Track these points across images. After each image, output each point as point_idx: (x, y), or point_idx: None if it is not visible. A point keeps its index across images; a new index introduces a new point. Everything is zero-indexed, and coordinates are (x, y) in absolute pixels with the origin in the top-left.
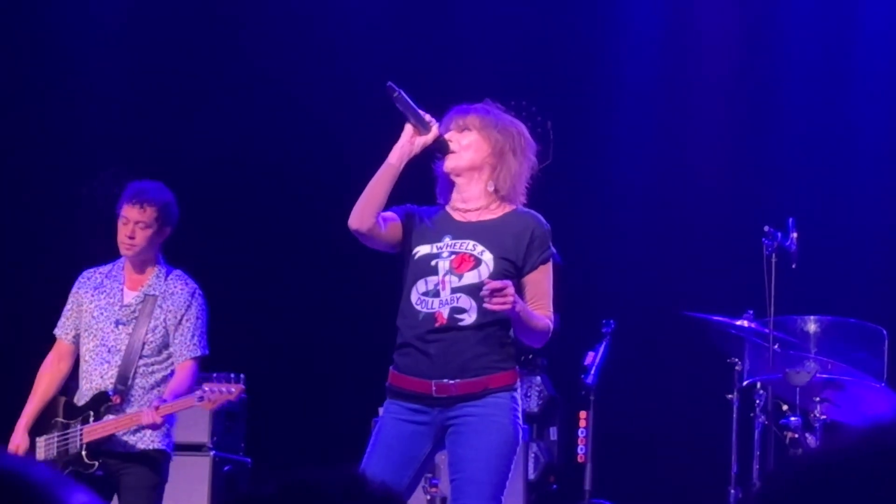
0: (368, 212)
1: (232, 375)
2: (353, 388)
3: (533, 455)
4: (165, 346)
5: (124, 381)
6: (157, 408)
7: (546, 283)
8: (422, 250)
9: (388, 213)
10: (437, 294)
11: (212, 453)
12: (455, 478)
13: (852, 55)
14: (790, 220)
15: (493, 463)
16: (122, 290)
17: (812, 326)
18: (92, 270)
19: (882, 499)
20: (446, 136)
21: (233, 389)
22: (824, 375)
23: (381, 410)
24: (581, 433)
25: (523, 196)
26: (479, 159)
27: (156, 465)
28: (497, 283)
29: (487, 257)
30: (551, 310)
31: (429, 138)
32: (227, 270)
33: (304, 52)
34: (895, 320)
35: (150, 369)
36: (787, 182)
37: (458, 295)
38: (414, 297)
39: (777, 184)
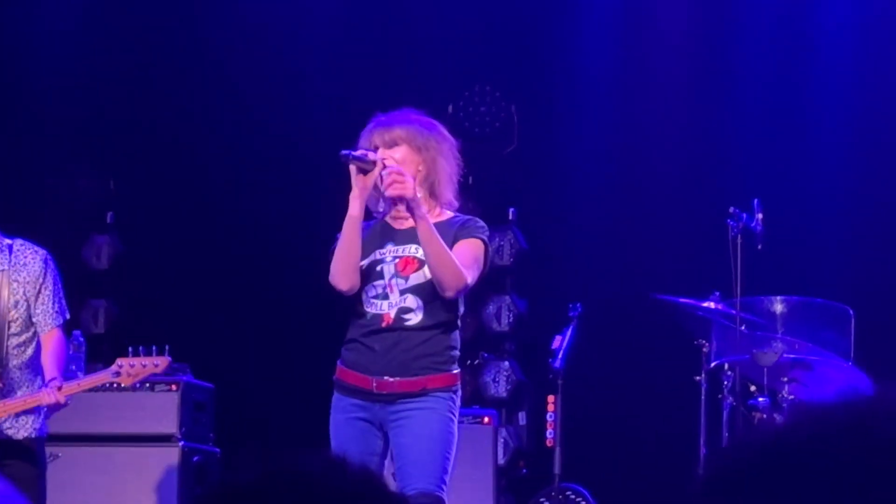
0: (351, 269)
1: (154, 348)
2: (321, 378)
3: (502, 440)
4: (30, 319)
5: (1, 363)
6: (59, 388)
7: (469, 249)
8: (367, 259)
9: None
10: (385, 297)
11: (180, 444)
12: (400, 465)
13: (814, 33)
14: (755, 200)
15: (435, 448)
16: None
17: (778, 307)
18: None
19: (837, 476)
20: (378, 153)
21: (158, 362)
22: (791, 356)
23: (333, 402)
24: (550, 417)
25: (456, 194)
26: (413, 170)
27: (37, 453)
28: (396, 167)
29: None
30: (468, 267)
31: (376, 173)
32: (195, 261)
33: (264, 45)
34: (861, 300)
35: (21, 348)
36: (752, 163)
37: (406, 296)
38: (364, 300)
39: (741, 165)
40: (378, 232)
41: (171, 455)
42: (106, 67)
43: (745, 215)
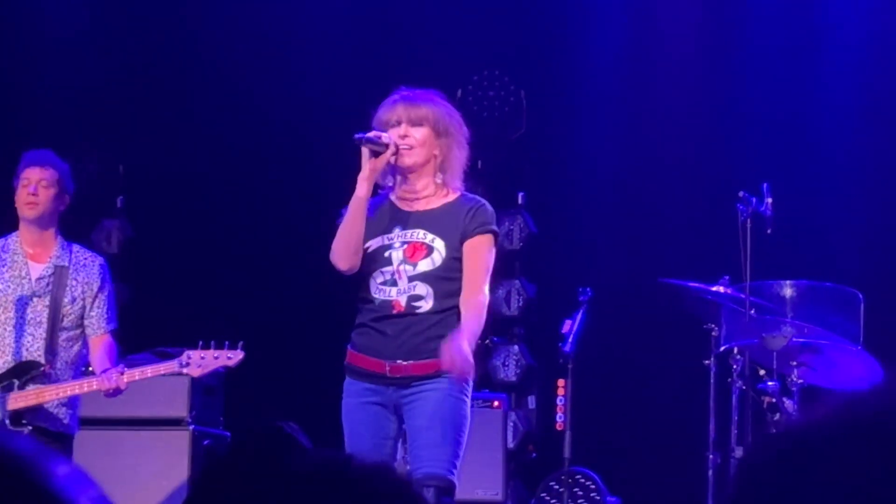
0: (352, 250)
1: (227, 343)
2: (330, 362)
3: (512, 424)
4: (81, 319)
5: (52, 352)
6: (122, 373)
7: (482, 254)
8: (374, 243)
9: None
10: (394, 283)
11: (191, 427)
12: (413, 446)
13: (824, 17)
14: (765, 185)
15: (448, 430)
16: (26, 262)
17: (788, 291)
18: None
19: (864, 470)
20: (399, 130)
21: (231, 355)
22: (801, 340)
23: (344, 387)
24: (559, 401)
25: (462, 182)
26: (430, 153)
27: (64, 449)
28: (456, 366)
29: (439, 244)
30: (484, 283)
31: (388, 155)
32: (205, 245)
33: (274, 26)
34: (871, 284)
35: (69, 343)
36: (761, 147)
37: (415, 283)
38: (372, 287)
39: (751, 149)
40: (385, 213)
41: (181, 438)
42: (115, 51)
43: (754, 199)
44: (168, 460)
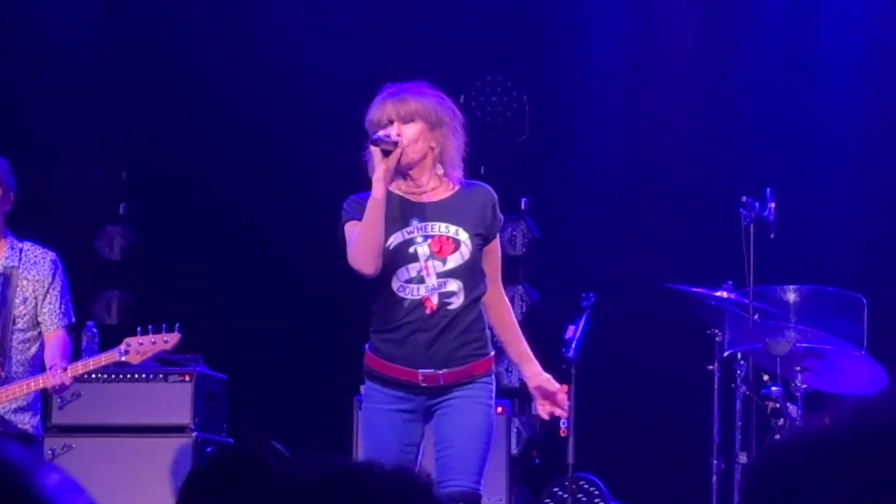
0: (376, 253)
1: (164, 325)
2: (334, 368)
3: (515, 430)
4: (36, 318)
5: (4, 355)
6: (64, 368)
7: (499, 249)
8: (394, 240)
9: None
10: (421, 280)
11: (194, 434)
12: (441, 455)
13: (826, 22)
14: (768, 189)
15: (477, 441)
16: None
17: (791, 296)
18: None
19: (870, 478)
20: (393, 129)
21: (167, 338)
22: (804, 344)
23: (362, 390)
24: None
25: (462, 171)
26: (427, 147)
27: (38, 448)
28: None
29: (463, 236)
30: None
31: (398, 153)
32: (207, 251)
33: (277, 34)
34: (874, 288)
35: (26, 345)
36: (764, 152)
37: (445, 279)
38: (395, 285)
39: (754, 154)
40: (393, 207)
41: (184, 445)
42: (118, 58)
43: (757, 204)
44: (171, 467)
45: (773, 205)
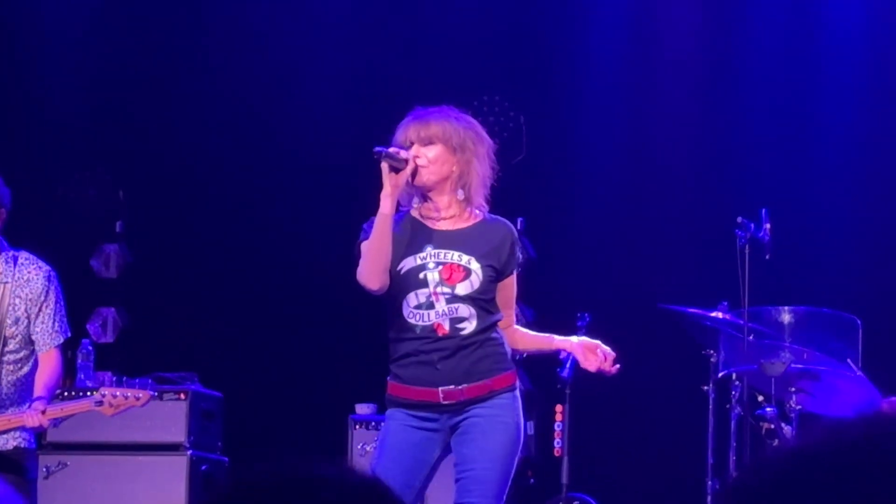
0: (382, 269)
1: (137, 381)
2: (329, 387)
3: None
4: (29, 337)
5: None
6: (42, 411)
7: (514, 286)
8: (406, 264)
9: None
10: (430, 306)
11: (189, 452)
12: (461, 476)
13: (823, 43)
14: (763, 210)
15: (498, 463)
16: None
17: (786, 317)
18: None
19: (854, 494)
20: (411, 151)
21: (139, 395)
22: (799, 365)
23: (388, 416)
24: (557, 427)
25: (487, 198)
26: (448, 171)
27: (26, 466)
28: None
29: (475, 266)
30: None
31: (408, 171)
32: (204, 270)
33: (274, 55)
34: (869, 309)
35: (17, 365)
36: (760, 173)
37: (456, 305)
38: (406, 311)
39: (749, 175)
40: (409, 230)
41: (179, 463)
42: (115, 75)
43: (752, 225)
44: (165, 486)
45: (768, 226)
